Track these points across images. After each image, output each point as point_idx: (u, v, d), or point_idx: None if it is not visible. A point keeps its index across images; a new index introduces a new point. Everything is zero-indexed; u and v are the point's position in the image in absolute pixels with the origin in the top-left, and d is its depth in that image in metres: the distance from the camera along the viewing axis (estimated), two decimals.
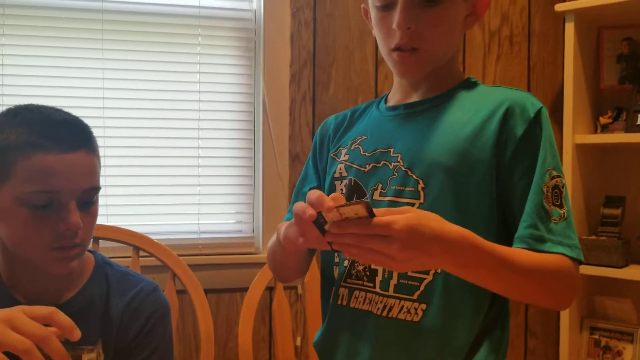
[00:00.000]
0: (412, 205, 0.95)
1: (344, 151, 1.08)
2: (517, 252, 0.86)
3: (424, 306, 0.94)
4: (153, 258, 1.45)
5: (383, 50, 1.02)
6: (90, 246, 1.05)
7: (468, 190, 0.94)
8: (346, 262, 1.01)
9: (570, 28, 1.96)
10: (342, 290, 1.02)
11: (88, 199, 0.98)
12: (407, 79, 1.05)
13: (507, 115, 0.94)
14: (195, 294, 1.43)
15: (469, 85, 1.04)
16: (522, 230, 0.90)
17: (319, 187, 1.14)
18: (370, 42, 1.94)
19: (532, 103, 0.95)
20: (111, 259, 1.12)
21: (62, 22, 1.74)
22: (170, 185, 1.83)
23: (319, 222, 0.76)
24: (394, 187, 0.98)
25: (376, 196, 1.00)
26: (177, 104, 1.84)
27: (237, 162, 1.89)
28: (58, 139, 0.93)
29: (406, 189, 0.97)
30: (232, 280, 1.81)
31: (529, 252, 0.88)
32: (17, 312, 0.75)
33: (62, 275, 0.97)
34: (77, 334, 0.75)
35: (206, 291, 1.46)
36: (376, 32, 1.03)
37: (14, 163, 0.93)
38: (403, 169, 0.98)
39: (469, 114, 0.98)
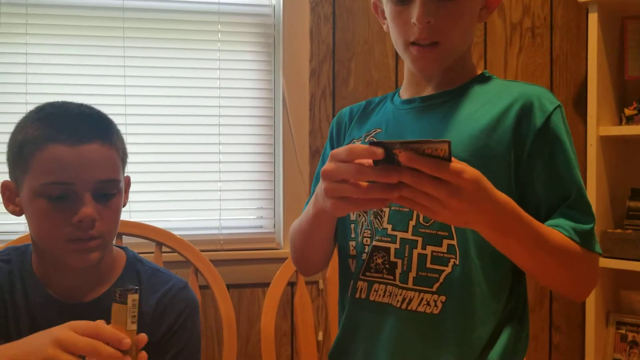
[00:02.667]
0: None
1: (357, 143, 1.06)
2: (552, 232, 0.87)
3: (443, 298, 0.94)
4: (175, 254, 1.45)
5: (399, 45, 1.01)
6: (114, 241, 1.06)
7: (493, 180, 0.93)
8: (364, 255, 1.00)
9: (593, 19, 1.92)
10: (360, 283, 1.01)
11: (106, 190, 0.98)
12: (425, 75, 1.04)
13: (525, 109, 0.94)
14: (218, 289, 1.43)
15: (484, 79, 1.03)
16: (558, 219, 0.91)
17: None
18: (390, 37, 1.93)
19: (550, 99, 0.96)
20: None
21: (83, 20, 1.76)
22: (192, 181, 1.84)
23: (390, 155, 0.71)
24: None
25: None
26: (197, 100, 1.84)
27: (257, 157, 1.90)
28: (70, 131, 0.95)
29: None
30: (253, 275, 1.82)
31: (562, 235, 0.88)
32: (65, 332, 0.79)
33: (83, 267, 0.98)
34: (126, 343, 0.79)
35: (228, 286, 1.47)
36: (391, 26, 1.01)
37: (32, 156, 0.95)
38: None
39: (485, 107, 0.97)
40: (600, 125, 1.93)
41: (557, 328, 2.09)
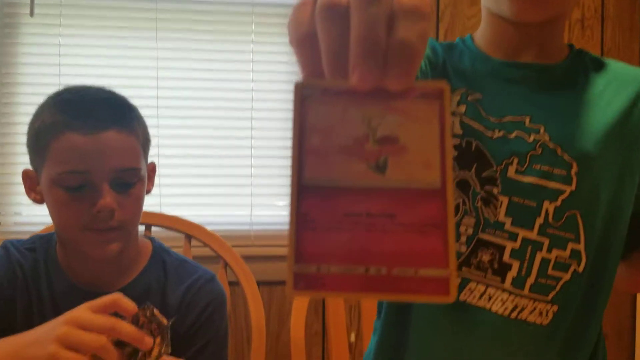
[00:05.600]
0: (562, 192, 0.83)
1: (456, 99, 0.86)
2: None
3: (555, 308, 0.83)
4: (204, 248, 1.42)
5: None
6: (140, 231, 1.03)
7: (619, 181, 0.85)
8: (463, 248, 0.85)
9: None
10: None
11: (125, 179, 0.93)
12: (523, 21, 0.85)
13: None
14: (248, 285, 1.39)
15: (586, 55, 0.92)
16: None
17: None
18: None
19: None
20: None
21: (116, 11, 1.74)
22: (223, 175, 1.81)
23: None
24: (538, 167, 0.83)
25: (511, 173, 0.83)
26: (230, 94, 1.81)
27: (290, 152, 1.85)
28: (87, 117, 0.90)
29: (555, 171, 0.83)
30: (285, 272, 1.77)
31: None
32: (82, 311, 0.75)
33: (104, 259, 0.95)
34: (148, 342, 0.75)
35: (258, 283, 1.42)
36: None
37: (48, 144, 0.91)
38: (550, 146, 0.83)
39: (611, 92, 0.87)
40: None
41: (603, 335, 1.98)
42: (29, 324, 0.98)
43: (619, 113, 0.85)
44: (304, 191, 0.34)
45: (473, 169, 0.84)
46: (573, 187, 0.83)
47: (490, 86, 0.87)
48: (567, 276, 0.83)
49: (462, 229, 0.85)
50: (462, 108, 0.86)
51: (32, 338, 0.77)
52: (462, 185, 0.85)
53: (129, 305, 0.76)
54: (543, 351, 0.84)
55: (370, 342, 1.00)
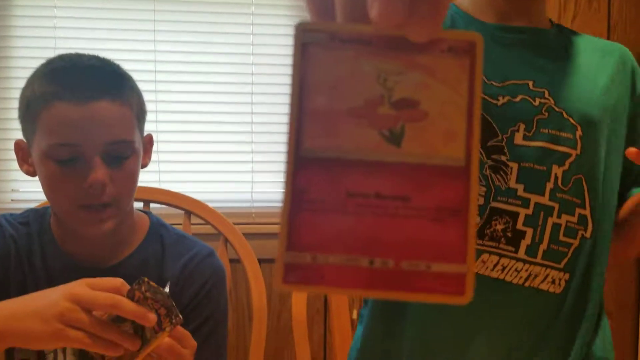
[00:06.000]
0: (570, 155, 0.83)
1: None
2: None
3: (567, 276, 0.83)
4: (204, 225, 1.39)
5: None
6: (130, 206, 1.00)
7: (614, 145, 0.88)
8: (477, 218, 0.83)
9: None
10: None
11: (117, 153, 0.89)
12: None
13: (635, 74, 0.90)
14: (249, 263, 1.37)
15: (564, 27, 0.94)
16: None
17: None
18: None
19: None
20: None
21: None
22: (223, 152, 1.78)
23: None
24: (546, 131, 0.83)
25: (518, 140, 0.83)
26: (230, 68, 1.77)
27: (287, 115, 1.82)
28: (77, 86, 0.86)
29: (562, 134, 0.83)
30: None
31: None
32: (82, 288, 0.73)
33: (98, 236, 0.92)
34: (152, 318, 0.73)
35: (260, 261, 1.41)
36: None
37: (38, 114, 0.87)
38: (556, 109, 0.84)
39: (597, 61, 0.89)
40: None
41: (608, 313, 1.96)
42: None
43: (607, 83, 0.87)
44: (303, 163, 0.29)
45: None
46: (578, 150, 0.83)
47: (489, 51, 0.84)
48: (576, 242, 0.83)
49: None
50: None
51: (31, 309, 0.75)
52: None
53: (127, 306, 0.73)
54: (554, 320, 0.84)
55: (356, 331, 0.98)
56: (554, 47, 0.89)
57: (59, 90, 0.86)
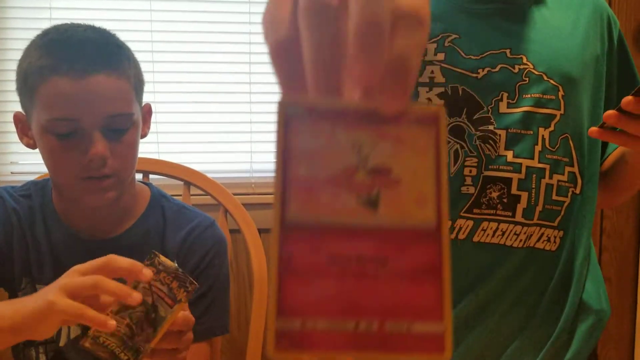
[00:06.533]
0: (554, 116, 0.85)
1: (432, 47, 0.86)
2: None
3: (561, 233, 0.86)
4: (203, 196, 1.40)
5: None
6: (136, 177, 1.00)
7: (598, 97, 0.89)
8: (469, 189, 0.85)
9: None
10: (461, 222, 0.85)
11: (117, 126, 0.89)
12: None
13: (610, 23, 0.90)
14: (249, 233, 1.37)
15: None
16: None
17: None
18: None
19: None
20: None
21: None
22: (222, 122, 1.77)
23: None
24: (529, 96, 0.84)
25: (503, 108, 0.84)
26: (228, 37, 1.75)
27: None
28: (74, 61, 0.85)
29: (545, 96, 0.84)
30: None
31: None
32: (70, 276, 0.72)
33: (100, 207, 0.92)
34: (147, 273, 0.71)
35: (260, 230, 1.41)
36: None
37: (36, 88, 0.87)
38: (536, 72, 0.85)
39: (571, 17, 0.89)
40: None
41: (607, 279, 1.98)
42: (27, 273, 0.97)
43: (584, 37, 0.88)
44: (288, 230, 0.30)
45: (464, 114, 0.85)
46: (562, 110, 0.85)
47: (464, 24, 0.87)
48: (568, 199, 0.86)
49: (466, 170, 0.85)
50: (441, 56, 0.85)
51: (29, 309, 0.74)
52: (457, 131, 0.85)
53: (123, 262, 0.72)
54: (550, 276, 0.87)
55: None
56: (527, 11, 0.89)
57: (55, 64, 0.85)
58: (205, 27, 1.74)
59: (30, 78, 0.88)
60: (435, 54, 0.85)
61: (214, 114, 1.77)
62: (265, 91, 1.79)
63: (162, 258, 0.74)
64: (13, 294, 0.98)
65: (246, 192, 1.77)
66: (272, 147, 1.80)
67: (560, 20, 0.89)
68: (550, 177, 0.85)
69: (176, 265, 0.74)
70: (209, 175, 1.43)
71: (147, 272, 0.71)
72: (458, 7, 0.88)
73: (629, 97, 0.66)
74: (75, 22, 1.61)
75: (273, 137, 1.54)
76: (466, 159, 0.84)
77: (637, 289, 1.88)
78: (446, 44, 0.86)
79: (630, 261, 1.97)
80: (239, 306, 1.78)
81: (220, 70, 1.76)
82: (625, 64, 0.94)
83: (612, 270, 1.98)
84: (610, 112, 0.69)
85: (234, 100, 1.77)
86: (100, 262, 0.72)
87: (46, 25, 1.60)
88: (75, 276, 0.72)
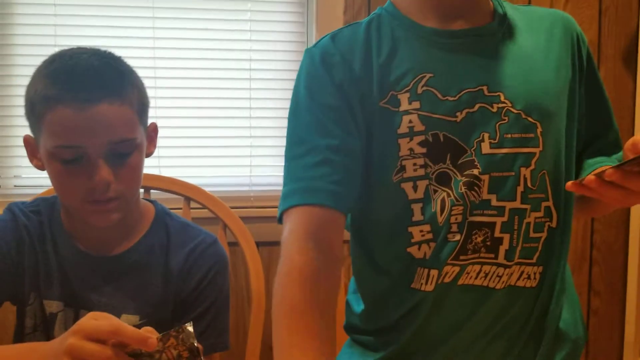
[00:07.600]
0: (534, 155, 0.84)
1: (405, 97, 0.84)
2: None
3: (540, 269, 0.87)
4: (203, 210, 1.43)
5: None
6: (136, 197, 1.04)
7: (568, 129, 0.90)
8: (455, 236, 0.83)
9: None
10: (448, 268, 0.84)
11: (120, 150, 0.94)
12: None
13: (579, 42, 0.92)
14: (247, 246, 1.40)
15: (504, 5, 0.93)
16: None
17: (353, 145, 0.85)
18: None
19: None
20: None
21: None
22: (222, 137, 1.81)
23: None
24: (510, 136, 0.83)
25: (486, 149, 0.83)
26: (228, 54, 1.79)
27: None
28: (77, 91, 0.90)
29: (525, 135, 0.84)
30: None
31: None
32: (86, 320, 0.72)
33: (105, 227, 0.96)
34: (151, 343, 0.70)
35: (258, 244, 1.44)
36: None
37: (42, 117, 0.92)
38: (514, 111, 0.84)
39: (542, 42, 0.90)
40: None
41: (596, 292, 2.02)
42: (35, 288, 1.00)
43: (557, 61, 0.89)
44: None
45: (448, 159, 0.84)
46: (540, 147, 0.85)
47: (437, 60, 0.85)
48: (544, 234, 0.86)
49: (452, 218, 0.83)
50: (417, 104, 0.83)
51: (47, 348, 0.77)
52: (443, 178, 0.84)
53: (132, 333, 0.71)
54: (530, 309, 0.88)
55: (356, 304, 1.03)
56: (498, 42, 0.87)
57: (60, 94, 0.90)
58: (206, 45, 1.78)
59: (36, 106, 0.93)
60: (410, 103, 0.83)
61: (214, 129, 1.80)
62: (265, 106, 1.82)
63: (188, 330, 0.73)
64: (21, 309, 1.01)
65: (245, 205, 1.80)
66: (271, 162, 1.84)
67: (533, 47, 0.89)
68: (529, 216, 0.85)
69: (196, 342, 0.73)
70: (210, 189, 1.46)
71: (152, 343, 0.70)
72: (429, 43, 0.86)
73: (591, 177, 0.69)
74: (80, 41, 1.65)
75: (272, 151, 1.57)
76: (453, 207, 0.83)
77: (626, 302, 1.92)
78: (420, 90, 0.84)
79: (619, 275, 2.01)
80: (237, 319, 1.80)
81: (221, 87, 1.79)
82: (594, 82, 0.95)
83: (602, 283, 2.01)
84: (591, 178, 0.70)
85: (234, 115, 1.81)
86: (110, 330, 0.71)
87: (51, 41, 1.65)
88: (91, 320, 0.72)
